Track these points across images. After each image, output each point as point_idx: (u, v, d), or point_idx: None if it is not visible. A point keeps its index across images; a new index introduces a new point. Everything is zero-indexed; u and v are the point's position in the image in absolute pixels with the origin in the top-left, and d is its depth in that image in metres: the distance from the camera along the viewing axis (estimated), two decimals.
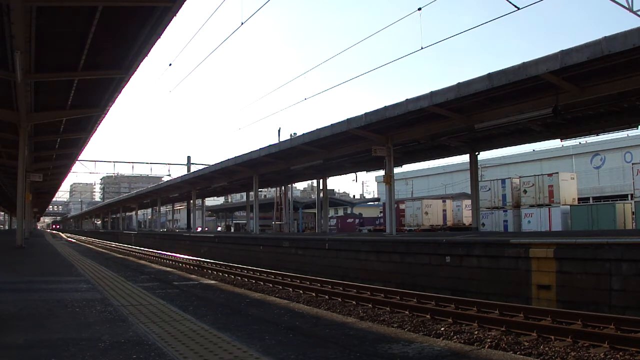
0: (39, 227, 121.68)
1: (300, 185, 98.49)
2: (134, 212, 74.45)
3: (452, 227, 34.97)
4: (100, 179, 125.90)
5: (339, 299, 12.52)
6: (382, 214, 36.30)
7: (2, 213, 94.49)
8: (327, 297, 12.97)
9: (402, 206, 37.05)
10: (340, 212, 58.58)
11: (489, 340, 7.91)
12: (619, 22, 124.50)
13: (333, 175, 33.08)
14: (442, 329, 8.88)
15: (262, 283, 16.44)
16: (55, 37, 12.63)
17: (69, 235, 73.29)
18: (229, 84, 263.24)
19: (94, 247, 35.17)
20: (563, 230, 25.24)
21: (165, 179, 53.94)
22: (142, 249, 38.09)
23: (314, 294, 13.52)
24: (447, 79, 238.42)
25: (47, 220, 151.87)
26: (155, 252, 32.90)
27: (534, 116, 15.05)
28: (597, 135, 20.02)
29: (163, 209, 72.50)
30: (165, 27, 11.48)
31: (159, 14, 11.11)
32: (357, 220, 44.03)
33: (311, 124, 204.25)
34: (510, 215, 29.87)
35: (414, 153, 24.12)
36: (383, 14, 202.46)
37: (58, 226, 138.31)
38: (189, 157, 53.45)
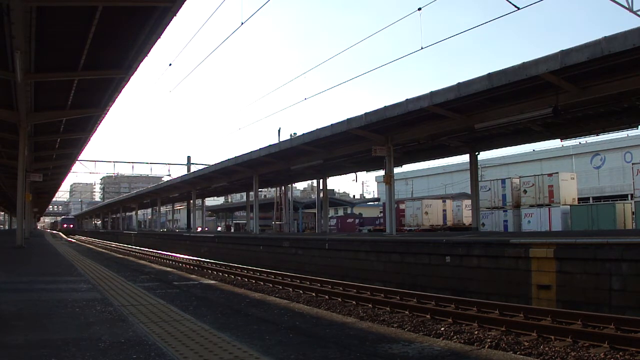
0: (39, 227, 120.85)
1: (300, 185, 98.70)
2: (134, 212, 74.43)
3: (452, 227, 34.95)
4: (100, 179, 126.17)
5: (339, 299, 12.52)
6: (382, 214, 36.28)
7: (2, 213, 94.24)
8: (327, 297, 12.97)
9: (402, 206, 37.04)
10: (340, 212, 58.56)
11: (489, 340, 7.91)
12: (619, 22, 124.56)
13: (333, 175, 33.10)
14: (442, 329, 8.89)
15: (262, 283, 16.44)
16: (55, 37, 12.63)
17: (69, 235, 73.07)
18: (229, 84, 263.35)
19: (94, 247, 35.18)
20: (563, 230, 25.24)
21: (165, 179, 53.96)
22: (142, 249, 38.09)
23: (314, 294, 13.52)
24: (447, 79, 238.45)
25: (47, 220, 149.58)
26: (155, 252, 32.90)
27: (534, 116, 15.05)
28: (597, 135, 20.05)
29: (163, 209, 72.50)
30: (165, 27, 11.49)
31: (159, 14, 11.11)
32: (357, 220, 44.01)
33: (311, 124, 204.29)
34: (510, 215, 29.87)
35: (414, 153, 24.12)
36: (383, 14, 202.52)
37: (72, 225, 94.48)
38: (189, 157, 53.50)
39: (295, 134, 34.67)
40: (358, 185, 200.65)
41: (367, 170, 31.59)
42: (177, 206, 79.61)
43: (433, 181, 64.55)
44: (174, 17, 11.02)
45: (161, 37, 12.02)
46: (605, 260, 10.08)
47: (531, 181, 29.26)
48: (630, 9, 12.22)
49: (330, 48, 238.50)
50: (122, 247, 41.31)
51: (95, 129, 23.20)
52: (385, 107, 17.03)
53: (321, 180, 32.97)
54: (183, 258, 27.26)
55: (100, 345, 4.27)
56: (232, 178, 33.30)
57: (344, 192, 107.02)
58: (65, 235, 64.36)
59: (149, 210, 78.53)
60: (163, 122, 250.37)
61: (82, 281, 9.28)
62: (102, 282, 9.15)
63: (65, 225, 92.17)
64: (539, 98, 14.35)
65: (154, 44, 12.57)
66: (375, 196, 74.09)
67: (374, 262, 16.32)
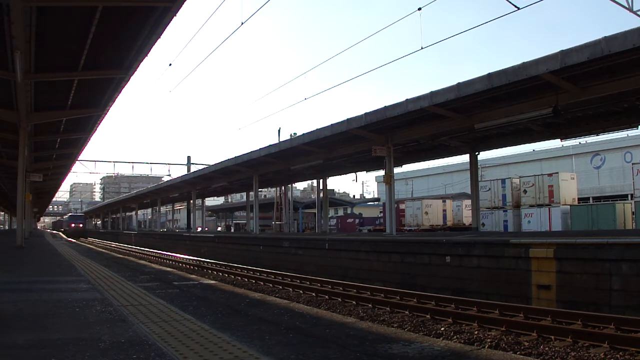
0: (39, 227, 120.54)
1: (300, 185, 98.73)
2: (134, 212, 74.42)
3: (452, 227, 34.95)
4: (100, 179, 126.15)
5: (339, 299, 12.53)
6: (382, 214, 36.28)
7: (2, 213, 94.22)
8: (327, 297, 12.97)
9: (402, 206, 37.03)
10: (340, 212, 58.56)
11: (489, 340, 7.92)
12: (619, 22, 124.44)
13: (333, 175, 33.09)
14: (442, 329, 8.89)
15: (262, 283, 16.44)
16: (55, 37, 12.63)
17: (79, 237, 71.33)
18: (229, 84, 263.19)
19: (93, 247, 35.19)
20: (563, 230, 25.23)
21: (165, 179, 53.94)
22: (142, 249, 38.11)
23: (314, 294, 13.52)
24: (447, 79, 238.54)
25: (47, 219, 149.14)
26: (155, 252, 32.92)
27: (534, 116, 15.04)
28: (597, 135, 20.04)
29: (163, 209, 72.47)
30: (165, 28, 11.48)
31: (159, 14, 11.11)
32: (357, 220, 44.02)
33: (311, 124, 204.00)
34: (510, 215, 29.86)
35: (414, 153, 24.11)
36: (383, 14, 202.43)
37: (82, 224, 75.96)
38: (189, 157, 53.50)
39: (295, 134, 34.70)
40: (358, 185, 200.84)
41: (367, 170, 31.58)
42: (177, 206, 79.63)
43: (433, 181, 64.56)
44: (174, 17, 11.02)
45: (161, 37, 12.02)
46: (605, 260, 10.08)
47: (531, 181, 29.25)
48: (630, 9, 12.22)
49: (330, 48, 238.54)
50: (122, 247, 41.32)
51: (95, 129, 23.20)
52: (385, 107, 17.03)
53: (321, 180, 32.97)
54: (183, 258, 27.27)
55: (100, 345, 4.27)
56: (232, 178, 33.30)
57: (344, 192, 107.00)
58: (71, 237, 53.93)
59: (149, 210, 78.50)
60: (163, 122, 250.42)
61: (82, 281, 9.28)
62: (102, 282, 9.15)
63: (72, 225, 72.59)
64: (539, 98, 14.35)
65: (154, 44, 12.57)
66: (375, 196, 74.09)
67: (374, 262, 16.32)
